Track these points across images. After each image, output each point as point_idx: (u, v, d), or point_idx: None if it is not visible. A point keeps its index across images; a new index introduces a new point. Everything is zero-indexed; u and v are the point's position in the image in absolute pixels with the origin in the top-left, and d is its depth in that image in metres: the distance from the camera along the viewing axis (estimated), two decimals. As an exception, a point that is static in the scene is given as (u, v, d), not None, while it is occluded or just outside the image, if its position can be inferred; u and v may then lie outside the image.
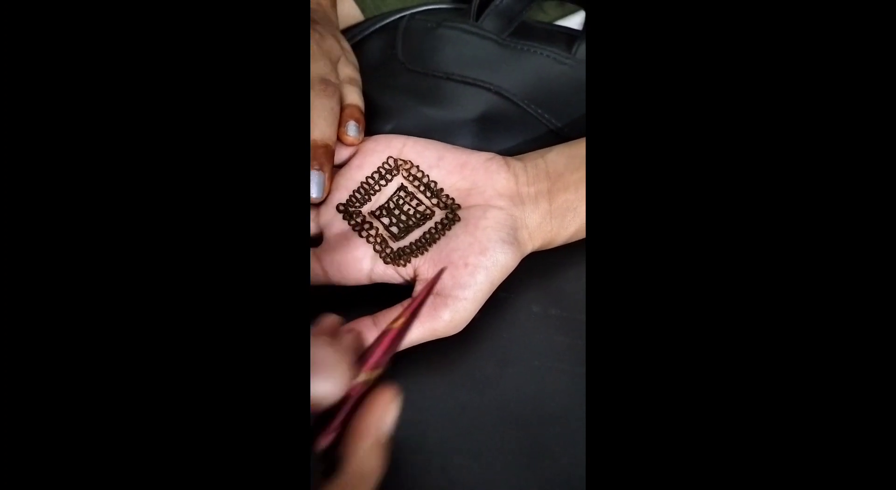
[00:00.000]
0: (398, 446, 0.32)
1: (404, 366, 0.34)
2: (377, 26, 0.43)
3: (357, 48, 0.43)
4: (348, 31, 0.44)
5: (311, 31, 0.37)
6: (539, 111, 0.40)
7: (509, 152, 0.37)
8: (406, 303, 0.32)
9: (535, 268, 0.36)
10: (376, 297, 0.35)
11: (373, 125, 0.39)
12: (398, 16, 0.43)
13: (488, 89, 0.39)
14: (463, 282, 0.33)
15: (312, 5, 0.41)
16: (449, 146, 0.36)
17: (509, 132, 0.40)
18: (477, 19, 0.41)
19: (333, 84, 0.36)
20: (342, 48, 0.39)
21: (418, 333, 0.33)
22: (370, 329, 0.33)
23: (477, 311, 0.34)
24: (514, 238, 0.34)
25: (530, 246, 0.35)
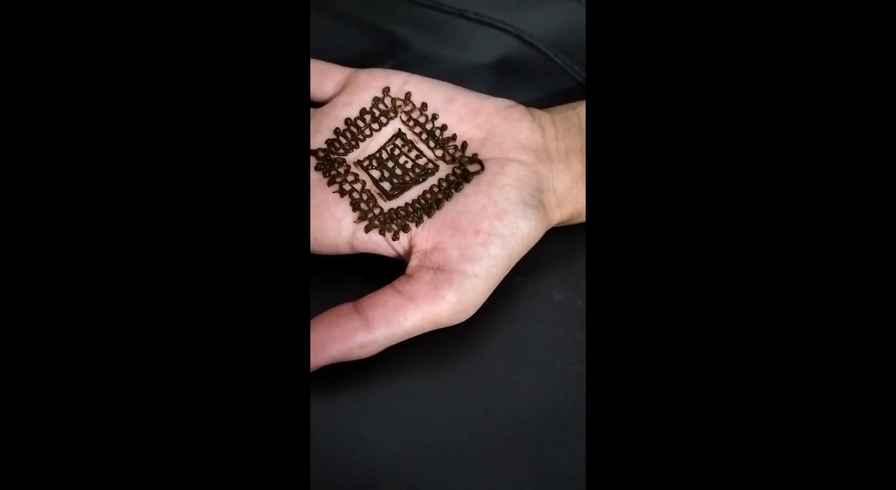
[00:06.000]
0: (378, 463, 0.25)
1: (395, 364, 0.26)
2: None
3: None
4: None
5: None
6: (567, 62, 0.33)
7: (531, 106, 0.30)
8: None
9: (560, 247, 0.29)
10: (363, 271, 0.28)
11: (366, 64, 0.31)
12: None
13: (508, 32, 0.33)
14: (473, 254, 0.25)
15: None
16: (461, 89, 0.29)
17: (531, 83, 0.33)
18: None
19: None
20: None
21: (415, 321, 0.25)
22: (351, 319, 0.25)
23: (490, 292, 0.26)
24: (539, 201, 0.27)
25: (558, 215, 0.28)
